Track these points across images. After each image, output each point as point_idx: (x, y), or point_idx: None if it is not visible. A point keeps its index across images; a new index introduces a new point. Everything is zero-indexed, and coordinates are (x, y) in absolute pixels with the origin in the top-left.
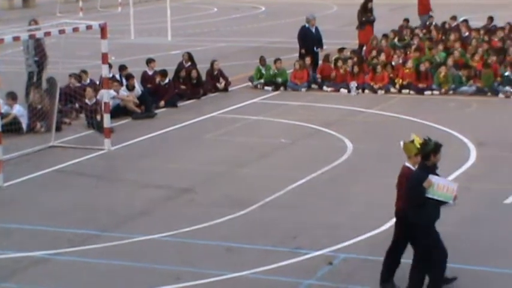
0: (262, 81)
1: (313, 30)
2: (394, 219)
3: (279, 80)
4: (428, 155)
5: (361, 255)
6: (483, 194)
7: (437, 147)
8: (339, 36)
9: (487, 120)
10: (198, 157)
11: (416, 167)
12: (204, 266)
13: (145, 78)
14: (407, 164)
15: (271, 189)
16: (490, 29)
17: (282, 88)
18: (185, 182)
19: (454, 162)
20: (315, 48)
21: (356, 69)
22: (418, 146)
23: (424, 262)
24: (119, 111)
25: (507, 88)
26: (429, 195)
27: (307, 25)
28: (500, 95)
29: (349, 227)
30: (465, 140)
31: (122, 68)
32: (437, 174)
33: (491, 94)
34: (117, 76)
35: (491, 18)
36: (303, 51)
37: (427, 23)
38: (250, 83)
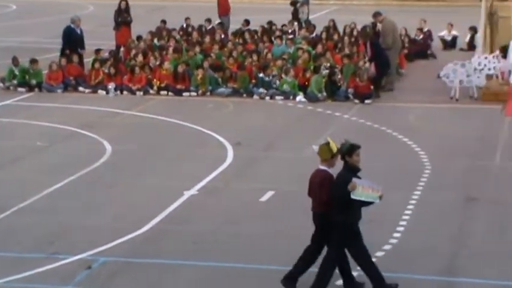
0: (15, 82)
1: (78, 31)
2: (154, 221)
3: (33, 81)
4: (343, 156)
5: (121, 257)
6: (240, 192)
7: (353, 148)
8: (96, 37)
9: (243, 121)
10: None
11: (331, 169)
12: None
13: None
14: (322, 167)
15: (27, 194)
16: (244, 32)
17: (36, 89)
18: None
19: (212, 162)
20: (79, 50)
21: (113, 70)
22: (334, 149)
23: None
24: None
25: (261, 90)
26: (355, 197)
27: (72, 25)
28: (255, 97)
29: (109, 230)
30: (222, 140)
31: None
32: (358, 177)
33: (247, 95)
34: None
35: (247, 22)
36: (67, 51)
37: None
38: (1, 84)
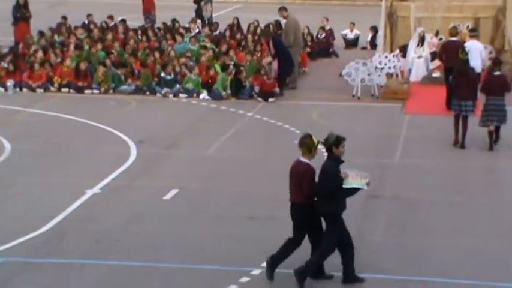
0: None
1: None
2: (55, 220)
3: None
4: (330, 147)
5: (21, 258)
6: (144, 191)
7: (338, 140)
8: None
9: (147, 119)
10: None
11: (311, 161)
12: None
13: None
14: (304, 160)
15: None
16: (147, 29)
17: None
18: None
19: (115, 160)
20: None
21: (12, 66)
22: (315, 142)
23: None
24: None
25: (165, 89)
26: (347, 186)
27: None
28: (159, 94)
29: (8, 230)
30: (125, 138)
31: None
32: None
33: (150, 93)
34: None
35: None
36: None
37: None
38: None
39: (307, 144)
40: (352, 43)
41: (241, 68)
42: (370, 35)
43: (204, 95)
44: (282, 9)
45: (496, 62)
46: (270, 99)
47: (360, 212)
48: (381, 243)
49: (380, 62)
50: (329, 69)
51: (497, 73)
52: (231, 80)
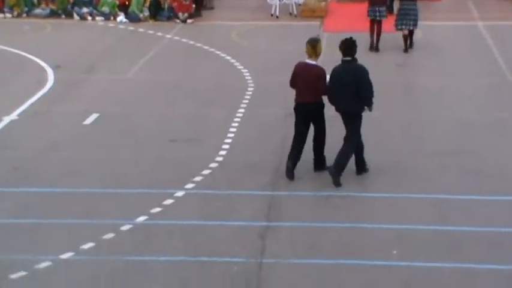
0: None
1: None
2: None
3: None
4: (353, 51)
5: None
6: (63, 116)
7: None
8: None
9: (63, 43)
10: None
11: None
12: None
13: None
14: (314, 62)
15: None
16: None
17: None
18: None
19: (32, 86)
20: None
21: None
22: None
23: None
24: None
25: (84, 9)
26: None
27: None
28: (76, 17)
29: None
30: (42, 63)
31: None
32: None
33: (66, 17)
34: None
35: None
36: None
37: None
38: None
39: (318, 47)
40: None
41: None
42: None
43: (121, 17)
44: None
45: None
46: (189, 20)
47: (282, 130)
48: (301, 161)
49: None
50: None
51: None
52: (150, 2)
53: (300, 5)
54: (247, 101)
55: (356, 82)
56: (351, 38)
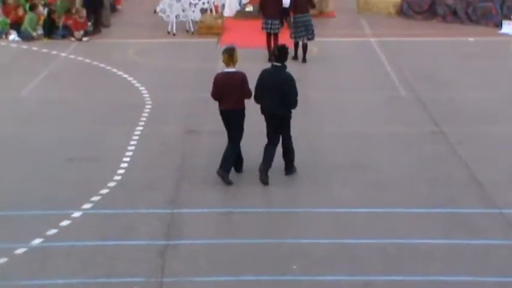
0: None
1: None
2: None
3: None
4: (283, 58)
5: None
6: None
7: (287, 50)
8: None
9: None
10: None
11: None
12: None
13: None
14: (233, 69)
15: None
16: None
17: None
18: None
19: None
20: None
21: None
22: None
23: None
24: None
25: None
26: None
27: None
28: None
29: None
30: None
31: None
32: None
33: None
34: None
35: None
36: None
37: None
38: None
39: (235, 56)
40: None
41: (53, 8)
42: None
43: (13, 36)
44: None
45: None
46: (84, 38)
47: (181, 147)
48: (202, 177)
49: None
50: (143, 7)
51: None
52: (44, 20)
53: (196, 22)
54: (145, 119)
55: (283, 88)
56: (285, 45)
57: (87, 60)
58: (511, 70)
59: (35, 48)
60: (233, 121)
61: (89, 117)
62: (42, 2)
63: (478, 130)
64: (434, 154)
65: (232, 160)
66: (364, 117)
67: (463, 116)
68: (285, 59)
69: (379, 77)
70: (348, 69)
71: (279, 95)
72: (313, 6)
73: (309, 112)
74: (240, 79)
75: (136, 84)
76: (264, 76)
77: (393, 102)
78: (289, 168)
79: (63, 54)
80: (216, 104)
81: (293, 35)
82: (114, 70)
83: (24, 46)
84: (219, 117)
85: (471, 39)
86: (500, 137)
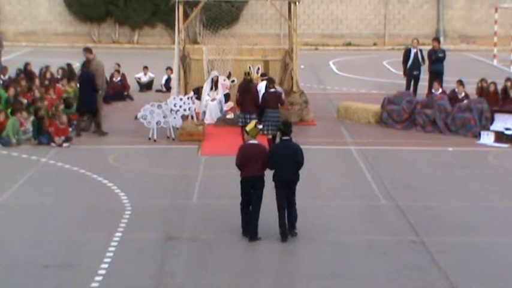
0: None
1: None
2: None
3: None
4: (289, 131)
5: None
6: None
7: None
8: None
9: None
10: None
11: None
12: None
13: None
14: (255, 141)
15: None
16: None
17: None
18: None
19: None
20: None
21: None
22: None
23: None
24: None
25: None
26: None
27: None
28: None
29: None
30: None
31: None
32: None
33: None
34: None
35: None
36: None
37: None
38: None
39: (258, 132)
40: (146, 86)
41: (38, 106)
42: (165, 77)
43: None
44: (87, 50)
45: (270, 81)
46: (65, 144)
47: (160, 254)
48: (181, 285)
49: (175, 105)
50: (124, 113)
51: (272, 90)
52: (32, 120)
53: (177, 128)
54: (124, 225)
55: (296, 157)
56: (288, 119)
57: (67, 166)
58: (489, 180)
59: (14, 154)
60: (256, 186)
61: (67, 223)
62: (24, 105)
63: (458, 240)
64: (414, 264)
65: (256, 221)
66: (343, 226)
67: (442, 226)
68: (291, 131)
69: (358, 185)
70: (328, 176)
71: (293, 164)
72: (281, 103)
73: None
74: (263, 150)
75: (116, 190)
76: (278, 150)
77: (373, 210)
78: (293, 229)
79: (43, 160)
80: (195, 211)
81: (263, 130)
82: (94, 176)
83: (4, 152)
84: (197, 224)
85: (450, 149)
86: (480, 247)
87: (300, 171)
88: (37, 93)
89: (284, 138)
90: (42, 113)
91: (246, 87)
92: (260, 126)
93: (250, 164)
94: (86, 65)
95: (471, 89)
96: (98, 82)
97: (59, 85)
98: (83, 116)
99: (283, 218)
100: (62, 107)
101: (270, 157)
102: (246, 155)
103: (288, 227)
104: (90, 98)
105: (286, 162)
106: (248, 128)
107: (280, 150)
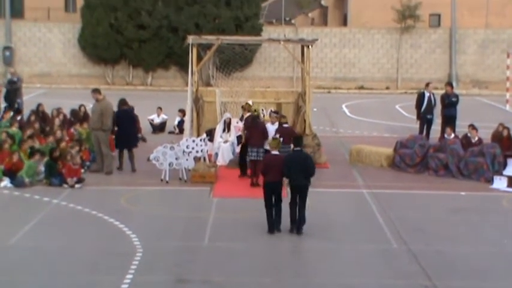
0: None
1: None
2: None
3: None
4: (301, 143)
5: None
6: None
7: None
8: None
9: None
10: None
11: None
12: None
13: None
14: (276, 152)
15: None
16: None
17: None
18: None
19: None
20: None
21: None
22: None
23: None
24: None
25: None
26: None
27: None
28: None
29: None
30: None
31: None
32: None
33: None
34: None
35: None
36: None
37: None
38: None
39: (278, 144)
40: (159, 127)
41: (53, 146)
42: (177, 119)
43: (5, 182)
44: (96, 91)
45: (283, 116)
46: (77, 185)
47: None
48: None
49: (188, 146)
50: (137, 154)
51: (285, 125)
52: (46, 161)
53: (190, 170)
54: (135, 267)
55: (305, 165)
56: (299, 134)
57: (79, 207)
58: (502, 225)
59: (27, 195)
60: (277, 188)
61: (79, 265)
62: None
63: (470, 285)
64: None
65: (280, 215)
66: (355, 269)
67: (455, 270)
68: (302, 143)
69: (371, 228)
70: (340, 219)
71: (303, 171)
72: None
73: (300, 263)
74: (282, 160)
75: (127, 232)
76: (291, 159)
77: (385, 254)
78: (301, 227)
79: (55, 201)
80: (206, 253)
81: None
82: (106, 217)
83: (16, 193)
84: (208, 267)
85: (463, 193)
86: None
87: (313, 212)
88: (58, 134)
89: (296, 149)
90: (57, 154)
91: (253, 122)
92: (277, 136)
93: (271, 171)
94: (122, 102)
95: (483, 134)
96: (107, 122)
97: (71, 129)
98: (122, 152)
99: (294, 214)
100: (77, 148)
101: (284, 165)
102: (268, 164)
103: (295, 229)
104: (130, 134)
105: (297, 169)
106: (270, 141)
107: (292, 159)
